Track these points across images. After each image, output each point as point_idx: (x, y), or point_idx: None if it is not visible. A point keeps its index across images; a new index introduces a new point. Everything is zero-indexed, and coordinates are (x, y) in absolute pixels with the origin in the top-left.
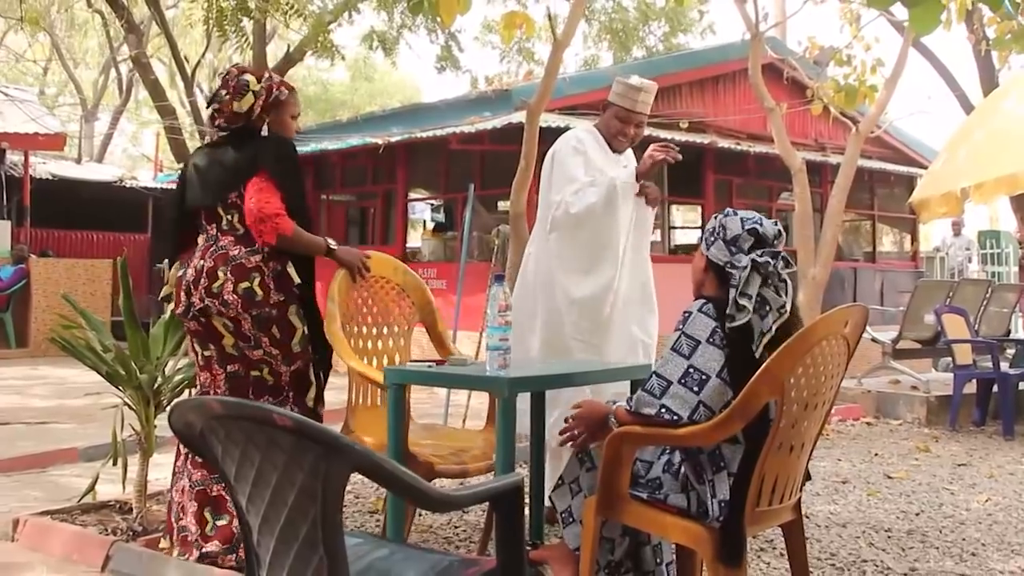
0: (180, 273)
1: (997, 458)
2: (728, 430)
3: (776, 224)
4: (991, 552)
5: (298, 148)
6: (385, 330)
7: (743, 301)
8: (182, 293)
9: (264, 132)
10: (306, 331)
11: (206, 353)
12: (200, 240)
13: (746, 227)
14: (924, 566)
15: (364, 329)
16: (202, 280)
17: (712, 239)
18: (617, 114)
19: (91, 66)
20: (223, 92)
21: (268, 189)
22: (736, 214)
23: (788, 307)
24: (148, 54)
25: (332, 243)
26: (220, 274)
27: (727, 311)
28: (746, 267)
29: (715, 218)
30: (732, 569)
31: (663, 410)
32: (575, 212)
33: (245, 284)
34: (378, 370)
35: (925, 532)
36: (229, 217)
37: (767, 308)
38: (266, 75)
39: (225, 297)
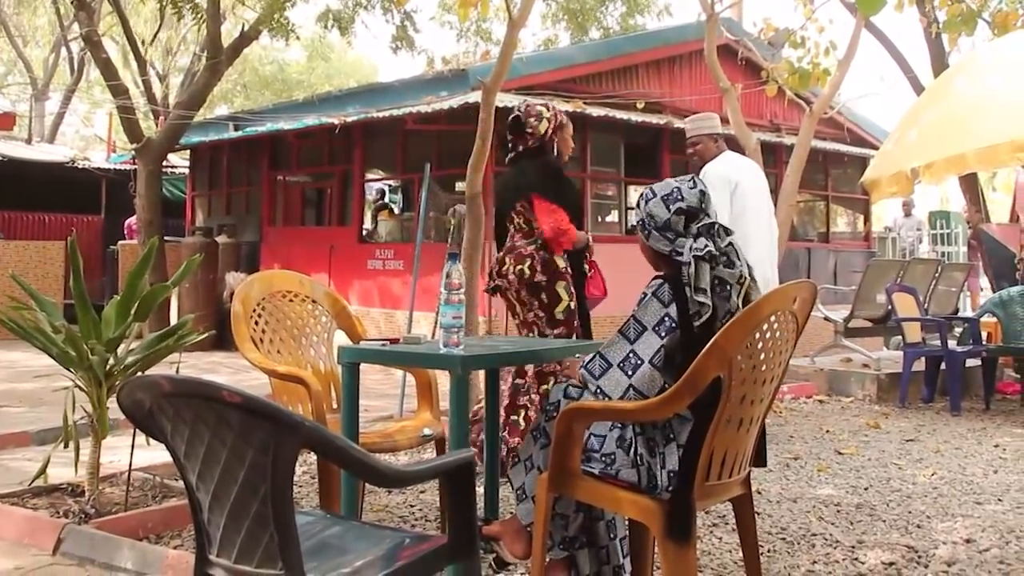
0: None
1: (944, 433)
2: (677, 404)
3: (695, 186)
4: (935, 523)
5: (253, 128)
6: (304, 340)
7: (700, 297)
8: (488, 275)
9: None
10: (572, 305)
11: (514, 318)
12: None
13: (672, 209)
14: (871, 538)
15: (281, 341)
16: (496, 266)
17: (646, 231)
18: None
19: (41, 44)
20: (531, 120)
21: (553, 209)
22: (655, 194)
23: (746, 272)
24: (100, 32)
25: (589, 237)
26: (507, 260)
27: (689, 310)
28: (689, 263)
29: (639, 205)
30: (681, 545)
31: (597, 391)
32: None
33: (520, 267)
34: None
35: (873, 506)
36: (518, 220)
37: (727, 287)
38: (550, 105)
39: (508, 276)
